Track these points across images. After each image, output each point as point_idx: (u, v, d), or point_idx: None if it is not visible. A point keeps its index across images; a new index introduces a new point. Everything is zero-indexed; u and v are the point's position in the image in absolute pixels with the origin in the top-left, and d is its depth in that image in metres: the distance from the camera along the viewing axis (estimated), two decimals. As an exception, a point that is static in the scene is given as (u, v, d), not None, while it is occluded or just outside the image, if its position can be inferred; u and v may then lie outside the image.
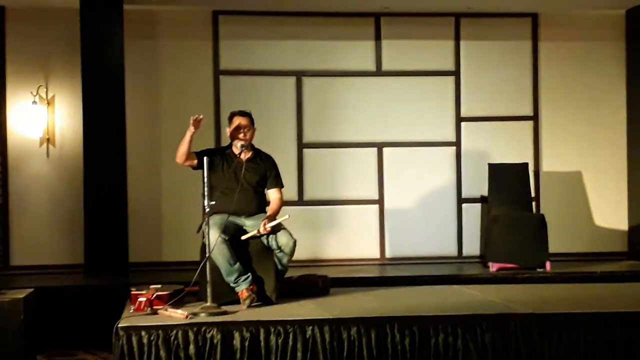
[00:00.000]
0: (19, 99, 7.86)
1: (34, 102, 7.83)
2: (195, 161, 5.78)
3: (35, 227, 7.90)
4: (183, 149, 5.79)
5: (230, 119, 6.04)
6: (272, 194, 6.05)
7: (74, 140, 7.85)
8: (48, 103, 7.91)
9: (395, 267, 7.99)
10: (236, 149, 5.97)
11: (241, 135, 5.94)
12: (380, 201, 8.35)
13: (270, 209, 5.92)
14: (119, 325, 4.98)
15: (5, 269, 7.70)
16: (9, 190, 7.87)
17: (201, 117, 5.69)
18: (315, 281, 6.30)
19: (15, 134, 7.86)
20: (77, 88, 7.72)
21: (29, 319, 5.52)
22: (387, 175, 8.37)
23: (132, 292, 5.56)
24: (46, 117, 7.89)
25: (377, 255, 8.32)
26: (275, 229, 5.77)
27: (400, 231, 8.33)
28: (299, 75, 8.30)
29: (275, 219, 5.78)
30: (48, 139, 7.92)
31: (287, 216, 5.82)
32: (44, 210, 7.93)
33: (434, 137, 8.43)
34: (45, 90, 7.91)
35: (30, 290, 5.72)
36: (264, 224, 5.71)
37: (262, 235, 5.77)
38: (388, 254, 8.33)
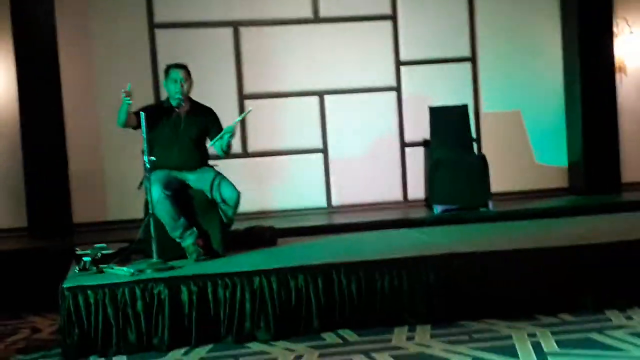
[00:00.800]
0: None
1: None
2: (136, 122, 5.68)
3: (-25, 192, 7.76)
4: (122, 118, 5.66)
5: (166, 72, 5.97)
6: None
7: (9, 103, 7.67)
8: (-19, 61, 7.72)
9: (341, 215, 8.05)
10: (174, 102, 5.91)
11: (178, 88, 5.88)
12: (324, 150, 8.37)
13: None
14: (64, 286, 4.96)
15: (-54, 235, 7.57)
16: (-54, 156, 7.70)
17: (128, 89, 5.54)
18: (262, 232, 6.33)
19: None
20: (9, 46, 7.56)
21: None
22: (329, 123, 8.37)
23: (77, 252, 5.52)
24: (-22, 77, 7.70)
25: (324, 203, 8.35)
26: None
27: (346, 178, 8.37)
28: (235, 26, 8.20)
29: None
30: (-18, 103, 7.74)
31: (250, 109, 5.81)
32: (-18, 174, 7.79)
33: (374, 83, 8.43)
34: (-24, 52, 7.71)
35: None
36: None
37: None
38: (334, 202, 8.37)
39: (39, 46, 7.48)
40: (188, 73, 5.95)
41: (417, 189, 8.40)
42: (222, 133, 5.73)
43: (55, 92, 7.54)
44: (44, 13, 7.48)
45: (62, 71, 7.63)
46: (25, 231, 7.54)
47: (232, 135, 5.74)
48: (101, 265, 5.36)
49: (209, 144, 5.95)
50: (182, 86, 5.89)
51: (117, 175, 7.83)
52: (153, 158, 5.47)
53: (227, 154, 5.85)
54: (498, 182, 7.95)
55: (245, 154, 8.20)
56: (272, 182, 8.24)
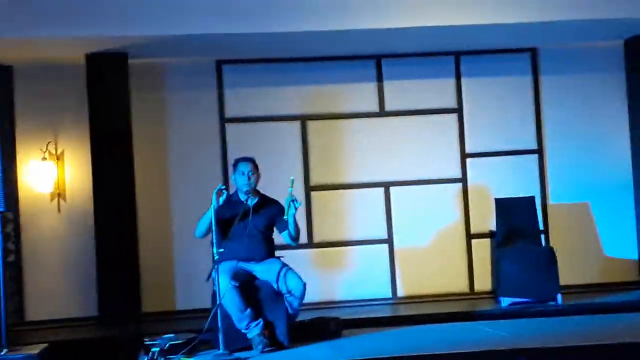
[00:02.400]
0: (29, 155, 7.96)
1: (44, 158, 7.95)
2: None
3: (49, 281, 7.95)
4: (204, 227, 5.83)
5: (234, 165, 6.14)
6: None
7: (84, 194, 7.94)
8: (57, 158, 8.01)
9: (407, 306, 7.99)
10: (242, 195, 6.06)
11: (246, 180, 6.03)
12: (389, 240, 8.39)
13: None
14: (133, 376, 5.04)
15: (21, 324, 7.73)
16: (22, 245, 7.94)
17: (223, 187, 5.76)
18: (327, 323, 6.35)
19: (27, 190, 7.94)
20: (86, 142, 7.84)
21: (45, 374, 5.57)
22: (395, 214, 8.41)
23: (145, 343, 5.61)
24: (56, 172, 7.99)
25: (389, 294, 8.32)
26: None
27: (411, 269, 8.34)
28: (303, 120, 8.40)
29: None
30: (59, 194, 8.01)
31: (292, 178, 6.02)
32: (57, 264, 7.99)
33: (439, 174, 8.48)
34: (54, 145, 8.02)
35: (45, 345, 5.78)
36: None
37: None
38: (399, 293, 8.34)
39: (114, 137, 7.75)
40: (255, 166, 6.12)
41: (483, 281, 8.33)
42: (286, 299, 5.85)
43: (128, 183, 7.78)
44: (121, 109, 7.80)
45: (136, 162, 7.88)
46: (96, 320, 7.68)
47: (294, 207, 5.85)
48: (169, 356, 5.43)
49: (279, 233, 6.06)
50: (249, 179, 6.04)
51: (185, 266, 7.96)
52: (221, 250, 5.59)
53: (296, 240, 5.98)
54: (566, 275, 7.82)
55: (311, 244, 8.27)
56: (337, 273, 8.26)
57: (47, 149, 7.98)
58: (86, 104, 7.81)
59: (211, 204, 5.75)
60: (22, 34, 7.05)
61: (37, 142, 7.97)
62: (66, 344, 6.69)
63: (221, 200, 5.74)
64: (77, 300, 7.93)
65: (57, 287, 7.96)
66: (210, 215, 5.73)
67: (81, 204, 7.97)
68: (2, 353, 5.57)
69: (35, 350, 5.57)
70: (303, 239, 8.06)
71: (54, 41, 7.25)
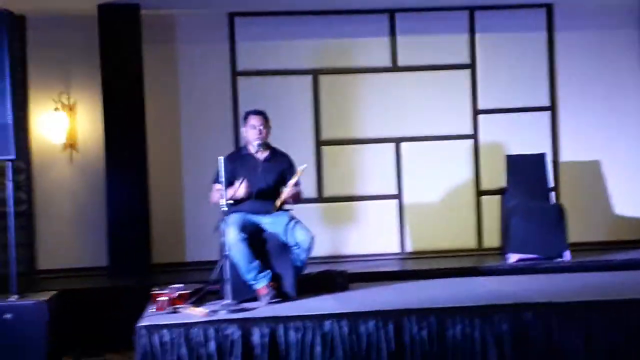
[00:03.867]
0: (41, 106, 7.99)
1: (56, 108, 7.97)
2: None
3: (60, 231, 8.03)
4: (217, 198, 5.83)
5: (245, 118, 6.14)
6: None
7: (95, 145, 7.98)
8: (70, 109, 8.04)
9: (414, 261, 8.03)
10: (252, 148, 6.07)
11: (256, 134, 6.03)
12: (398, 196, 8.40)
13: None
14: (140, 324, 5.10)
15: (32, 273, 7.84)
16: (34, 195, 8.01)
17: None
18: (334, 276, 6.39)
19: (39, 140, 7.99)
20: (98, 94, 7.85)
21: (54, 321, 5.66)
22: (405, 170, 8.41)
23: (153, 292, 5.68)
24: (68, 123, 8.02)
25: (397, 249, 8.36)
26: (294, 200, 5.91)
27: (420, 225, 8.37)
28: (315, 74, 8.36)
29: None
30: (71, 145, 8.05)
31: (305, 165, 5.93)
32: (68, 214, 8.06)
33: (451, 131, 8.45)
34: (66, 96, 8.04)
35: (54, 292, 5.86)
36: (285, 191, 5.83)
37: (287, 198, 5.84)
38: (408, 248, 8.37)
39: (125, 93, 7.77)
40: (266, 119, 6.12)
41: (492, 238, 8.33)
42: (294, 252, 5.89)
43: (139, 137, 7.81)
44: (132, 60, 7.79)
45: (147, 116, 7.89)
46: (106, 270, 7.77)
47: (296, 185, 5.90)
48: (176, 305, 5.49)
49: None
50: (260, 132, 6.04)
51: (195, 218, 8.00)
52: (230, 201, 5.62)
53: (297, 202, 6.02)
54: (575, 233, 7.80)
55: (320, 199, 8.29)
56: (346, 227, 8.30)
57: (59, 99, 8.00)
58: (98, 55, 7.79)
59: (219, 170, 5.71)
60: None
61: (49, 93, 7.99)
62: (75, 292, 6.77)
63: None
64: (88, 251, 8.01)
65: (67, 237, 8.04)
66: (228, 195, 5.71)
67: (93, 155, 8.01)
68: (12, 299, 5.65)
69: (44, 297, 5.64)
70: (312, 193, 8.12)
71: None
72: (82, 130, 8.09)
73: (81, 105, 8.09)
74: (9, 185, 6.03)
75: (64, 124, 8.00)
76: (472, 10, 8.45)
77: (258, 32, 8.30)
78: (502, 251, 8.04)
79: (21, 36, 7.90)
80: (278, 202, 5.91)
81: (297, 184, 5.96)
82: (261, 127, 6.07)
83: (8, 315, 5.42)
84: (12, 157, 5.89)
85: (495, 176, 8.28)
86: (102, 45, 7.77)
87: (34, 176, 8.01)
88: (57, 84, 8.04)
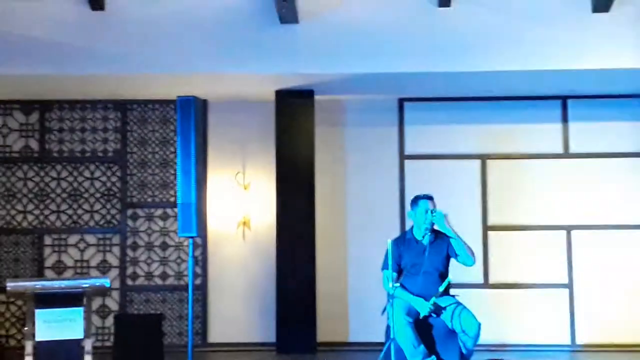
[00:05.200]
0: (219, 184, 8.39)
1: (233, 187, 8.36)
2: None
3: (231, 305, 8.31)
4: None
5: (415, 202, 6.19)
6: None
7: (267, 224, 8.26)
8: (245, 188, 8.40)
9: (586, 354, 7.73)
10: (419, 232, 6.11)
11: (427, 219, 6.07)
12: (569, 284, 8.15)
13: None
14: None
15: (204, 346, 8.13)
16: (208, 270, 8.37)
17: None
18: (501, 366, 6.25)
19: (216, 217, 8.36)
20: (272, 174, 8.15)
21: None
22: (576, 258, 8.17)
23: (320, 372, 5.75)
24: (243, 202, 8.37)
25: (567, 341, 8.06)
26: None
27: (592, 316, 8.06)
28: (483, 159, 8.36)
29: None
30: (244, 223, 8.39)
31: (446, 213, 5.92)
32: (240, 290, 8.34)
33: (626, 220, 8.17)
34: (242, 176, 8.42)
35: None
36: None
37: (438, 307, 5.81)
38: (579, 341, 8.05)
39: (298, 170, 8.04)
40: (434, 204, 6.16)
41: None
42: (460, 339, 5.84)
43: (309, 214, 8.02)
44: (305, 143, 8.07)
45: (317, 197, 8.11)
46: (273, 346, 7.93)
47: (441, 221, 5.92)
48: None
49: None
50: (430, 217, 6.08)
51: (360, 298, 8.08)
52: (397, 285, 5.66)
53: (471, 254, 6.02)
54: None
55: (486, 284, 8.18)
56: (513, 315, 8.11)
57: (235, 178, 8.38)
58: (272, 137, 8.14)
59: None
60: (217, 70, 7.47)
61: (226, 172, 8.39)
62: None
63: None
64: (256, 326, 8.23)
65: (238, 312, 8.30)
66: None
67: (264, 233, 8.28)
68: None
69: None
70: (479, 278, 8.03)
71: (246, 78, 7.64)
72: (255, 209, 8.41)
73: (255, 185, 8.43)
74: (190, 261, 6.34)
75: (239, 202, 8.36)
76: (644, 97, 8.24)
77: (427, 116, 8.43)
78: (680, 349, 7.60)
79: (204, 118, 8.37)
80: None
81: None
82: (431, 212, 6.10)
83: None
84: (194, 235, 6.21)
85: (677, 268, 7.90)
86: (278, 127, 8.13)
87: (209, 252, 8.38)
88: (234, 164, 8.43)
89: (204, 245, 8.34)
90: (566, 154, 8.30)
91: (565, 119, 8.32)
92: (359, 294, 8.14)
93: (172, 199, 8.32)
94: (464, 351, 5.86)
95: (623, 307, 8.06)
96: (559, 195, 8.25)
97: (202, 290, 8.29)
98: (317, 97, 8.16)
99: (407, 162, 8.42)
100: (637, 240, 8.15)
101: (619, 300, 8.08)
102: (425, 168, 8.37)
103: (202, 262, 8.33)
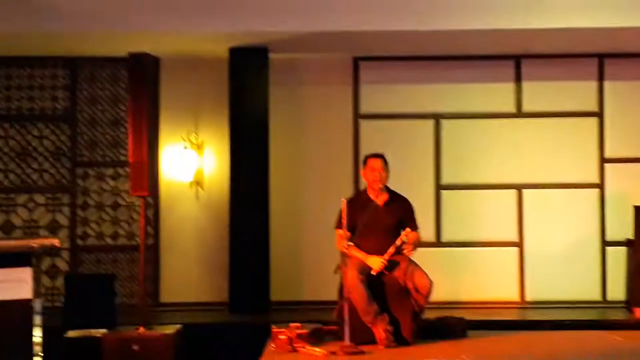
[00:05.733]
0: (172, 143, 8.29)
1: (185, 147, 8.27)
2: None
3: (184, 265, 8.26)
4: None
5: (365, 161, 6.20)
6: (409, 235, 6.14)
7: (221, 183, 8.20)
8: (198, 147, 8.32)
9: (535, 311, 7.86)
10: (372, 191, 6.11)
11: (376, 177, 6.07)
12: (519, 243, 8.26)
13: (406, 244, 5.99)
14: (261, 362, 5.19)
15: (156, 305, 8.10)
16: (160, 230, 8.31)
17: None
18: (452, 323, 6.32)
19: (168, 177, 8.28)
20: (225, 133, 8.08)
21: (179, 354, 5.81)
22: (527, 217, 8.27)
23: (274, 330, 5.76)
24: (196, 161, 8.30)
25: (517, 298, 8.19)
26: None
27: (541, 274, 8.18)
28: (437, 118, 8.38)
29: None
30: (197, 182, 8.32)
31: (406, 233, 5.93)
32: (192, 250, 8.30)
33: (576, 179, 8.27)
34: (195, 135, 8.33)
35: (179, 326, 6.02)
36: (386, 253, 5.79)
37: (391, 265, 5.83)
38: (528, 297, 8.19)
39: (252, 130, 7.97)
40: (385, 163, 6.15)
41: (617, 290, 8.05)
42: (412, 297, 5.88)
43: (263, 174, 7.97)
44: (259, 102, 7.98)
45: (271, 156, 8.05)
46: (226, 305, 7.93)
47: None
48: (295, 345, 5.56)
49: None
50: (380, 175, 6.08)
51: (314, 257, 8.08)
52: (350, 243, 5.68)
53: None
54: None
55: (438, 243, 8.25)
56: (464, 273, 8.20)
57: (188, 137, 8.29)
58: (227, 95, 8.05)
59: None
60: (170, 27, 7.34)
61: (179, 131, 8.29)
62: (198, 327, 6.95)
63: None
64: (210, 286, 8.20)
65: (191, 272, 8.26)
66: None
67: (218, 193, 8.23)
68: (139, 331, 5.85)
69: (170, 330, 5.81)
70: (431, 237, 8.09)
71: (199, 35, 7.51)
72: (208, 168, 8.34)
73: (208, 144, 8.35)
74: (141, 221, 6.27)
75: (192, 162, 8.28)
76: (601, 57, 8.29)
77: (381, 76, 8.40)
78: (627, 305, 7.76)
79: (155, 77, 8.23)
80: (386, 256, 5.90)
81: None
82: (381, 171, 6.10)
83: (135, 347, 5.59)
84: (146, 194, 6.14)
85: (622, 227, 8.02)
86: (232, 86, 8.03)
87: (161, 212, 8.31)
88: (187, 123, 8.33)
89: (156, 205, 8.26)
90: (519, 114, 8.36)
91: (518, 79, 8.36)
92: (313, 253, 8.14)
93: (123, 158, 8.19)
94: (416, 309, 5.92)
95: (570, 265, 8.19)
96: (511, 154, 8.32)
97: (154, 251, 8.23)
98: (271, 56, 8.06)
99: (361, 121, 8.40)
100: (585, 199, 8.26)
101: (567, 258, 8.21)
102: (380, 127, 8.36)
103: (154, 222, 8.26)
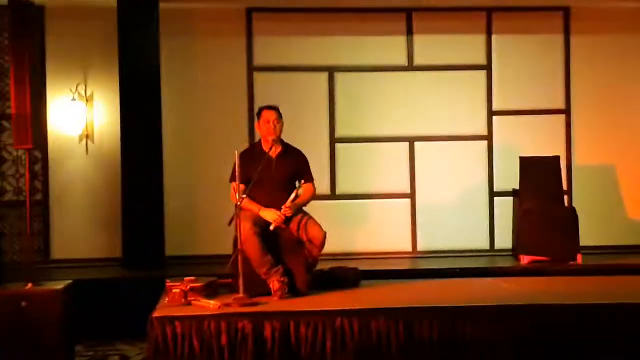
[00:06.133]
0: (59, 96, 8.05)
1: (73, 99, 8.03)
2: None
3: (75, 221, 8.09)
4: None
5: (259, 113, 6.16)
6: (304, 187, 6.17)
7: (111, 137, 8.02)
8: (87, 100, 8.09)
9: (426, 260, 8.06)
10: (266, 144, 6.09)
11: (270, 129, 6.05)
12: (411, 195, 8.42)
13: (300, 197, 6.02)
14: (154, 316, 5.14)
15: (46, 262, 7.90)
16: (49, 185, 8.08)
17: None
18: (346, 273, 6.41)
19: (55, 130, 8.05)
20: (115, 85, 7.87)
21: (68, 310, 5.69)
22: (418, 169, 8.44)
23: (167, 284, 5.71)
24: (85, 114, 8.07)
25: (409, 248, 8.39)
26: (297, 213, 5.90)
27: (432, 224, 8.40)
28: (330, 71, 8.39)
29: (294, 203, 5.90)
30: (87, 136, 8.11)
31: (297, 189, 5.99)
32: (83, 205, 8.12)
33: (465, 131, 8.47)
34: (84, 87, 8.09)
35: (69, 281, 5.90)
36: (284, 206, 5.83)
37: (287, 219, 5.87)
38: (419, 247, 8.39)
39: (143, 81, 7.79)
40: (279, 115, 6.13)
41: (504, 239, 8.34)
42: (306, 248, 5.91)
43: (155, 129, 7.83)
44: (150, 52, 7.80)
45: (163, 107, 7.90)
46: (120, 261, 7.81)
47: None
48: (189, 298, 5.53)
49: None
50: (274, 127, 6.06)
51: (208, 211, 8.03)
52: (244, 195, 5.66)
53: None
54: (588, 236, 7.82)
55: (333, 195, 8.32)
56: (358, 225, 8.33)
57: (76, 90, 8.05)
58: (116, 46, 7.82)
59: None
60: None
61: (67, 83, 8.04)
62: (89, 282, 6.83)
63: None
64: (102, 242, 8.07)
65: (82, 227, 8.11)
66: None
67: (109, 146, 8.05)
68: (27, 287, 5.69)
69: (59, 286, 5.68)
70: (326, 190, 8.15)
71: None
72: (98, 121, 8.13)
73: (98, 96, 8.14)
74: (26, 175, 6.06)
75: (81, 114, 8.05)
76: (489, 11, 8.46)
77: (275, 27, 8.34)
78: (514, 252, 8.05)
79: (40, 26, 7.94)
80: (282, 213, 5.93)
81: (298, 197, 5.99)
82: (275, 123, 6.08)
83: (23, 303, 5.46)
84: (30, 146, 5.91)
85: (509, 178, 8.27)
86: (121, 37, 7.80)
87: (50, 166, 8.08)
88: (75, 74, 8.09)
89: (45, 159, 8.02)
90: (410, 67, 8.46)
91: (410, 32, 8.44)
92: (207, 207, 8.09)
93: (8, 111, 7.87)
94: (309, 260, 5.97)
95: (460, 216, 8.42)
96: (403, 107, 8.43)
97: (43, 206, 8.00)
98: (162, 5, 7.88)
99: (255, 73, 8.34)
100: (474, 151, 8.47)
101: (456, 208, 8.43)
102: (274, 80, 8.32)
103: (42, 176, 8.01)
